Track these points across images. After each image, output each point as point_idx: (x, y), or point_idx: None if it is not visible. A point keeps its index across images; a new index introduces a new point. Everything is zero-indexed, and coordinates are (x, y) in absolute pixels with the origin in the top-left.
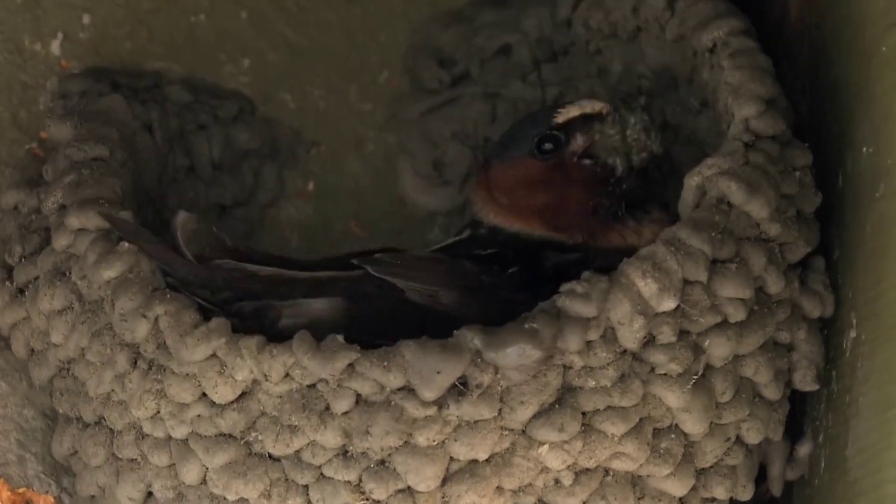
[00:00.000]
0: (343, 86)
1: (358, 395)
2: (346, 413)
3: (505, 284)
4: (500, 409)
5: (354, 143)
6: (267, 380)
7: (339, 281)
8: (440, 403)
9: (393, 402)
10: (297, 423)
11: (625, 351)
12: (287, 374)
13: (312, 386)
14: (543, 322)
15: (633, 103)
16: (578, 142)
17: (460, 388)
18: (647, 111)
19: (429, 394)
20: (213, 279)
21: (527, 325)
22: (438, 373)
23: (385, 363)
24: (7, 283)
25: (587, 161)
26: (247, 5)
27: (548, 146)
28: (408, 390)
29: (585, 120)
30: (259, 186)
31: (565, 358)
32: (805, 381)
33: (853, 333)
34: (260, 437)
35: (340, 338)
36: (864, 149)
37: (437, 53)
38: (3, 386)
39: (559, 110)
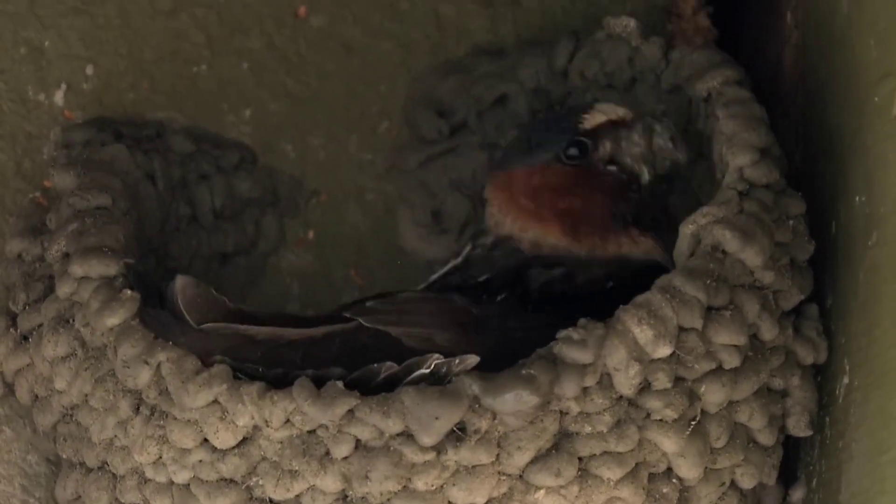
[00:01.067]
0: (343, 135)
1: (357, 441)
2: (345, 458)
3: (497, 312)
4: (497, 455)
5: (354, 192)
6: (268, 425)
7: (335, 336)
8: (439, 449)
9: (392, 448)
10: (297, 468)
11: (621, 397)
12: (288, 420)
13: (313, 431)
14: (540, 368)
15: (656, 112)
16: (606, 148)
17: (458, 434)
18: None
19: (427, 439)
20: (211, 349)
21: (524, 371)
22: (437, 418)
23: (384, 409)
24: (11, 329)
25: (612, 168)
26: (248, 56)
27: (574, 152)
28: (407, 436)
29: (612, 126)
30: (260, 235)
31: (562, 404)
32: (799, 426)
33: (846, 380)
34: (261, 482)
35: (340, 384)
36: (857, 197)
37: (436, 104)
38: (8, 432)
39: (584, 115)
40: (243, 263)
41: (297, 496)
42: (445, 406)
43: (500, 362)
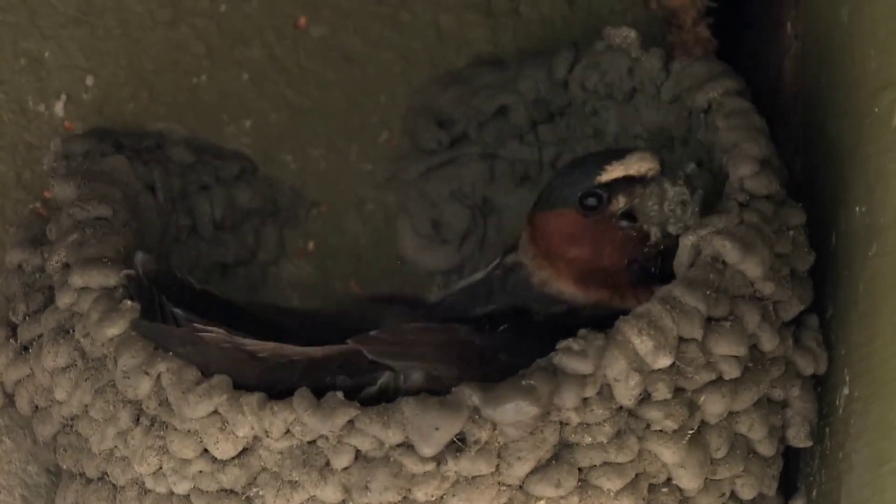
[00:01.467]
0: (343, 146)
1: (357, 451)
2: (345, 469)
3: (501, 345)
4: (497, 465)
5: (354, 202)
6: (268, 436)
7: (334, 359)
8: (438, 459)
9: (392, 458)
10: (297, 479)
11: (621, 407)
12: (288, 431)
13: (313, 442)
14: (540, 379)
15: (678, 172)
16: (619, 202)
17: (458, 444)
18: (692, 180)
19: (427, 450)
20: (209, 363)
21: (524, 382)
22: (437, 429)
23: (384, 419)
24: (11, 340)
25: (625, 222)
26: (248, 66)
27: (591, 202)
28: (407, 446)
29: (628, 181)
30: (260, 246)
31: (562, 414)
32: (799, 437)
33: (846, 390)
34: (261, 493)
35: (340, 394)
36: (858, 208)
37: (436, 114)
38: (8, 442)
39: (606, 167)
40: (243, 274)
41: None
42: (445, 416)
43: None
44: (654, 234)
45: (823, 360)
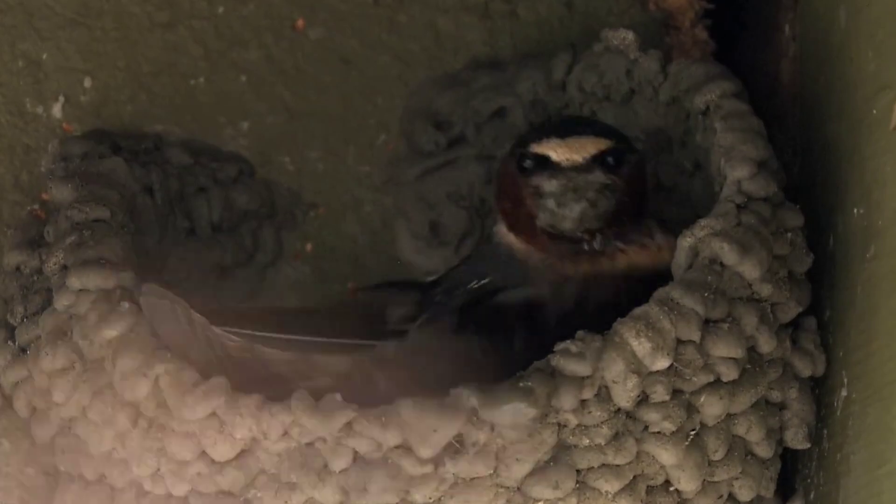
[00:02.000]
0: (341, 148)
1: (356, 453)
2: (343, 470)
3: (516, 357)
4: (495, 467)
5: (352, 204)
6: (266, 438)
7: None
8: (436, 461)
9: (390, 460)
10: (295, 481)
11: (619, 409)
12: (286, 433)
13: (311, 444)
14: (538, 381)
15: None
16: (540, 178)
17: (456, 446)
18: (603, 191)
19: (425, 451)
20: (225, 367)
21: (522, 384)
22: (435, 431)
23: (382, 421)
24: (9, 342)
25: (538, 198)
26: (246, 69)
27: (527, 164)
28: (405, 448)
29: (550, 162)
30: (258, 248)
31: (560, 416)
32: (796, 439)
33: (844, 392)
34: (259, 495)
35: (338, 396)
36: (855, 210)
37: (433, 116)
38: (6, 444)
39: (543, 139)
40: (241, 276)
41: None
42: (443, 418)
43: None
44: (543, 220)
45: (821, 362)
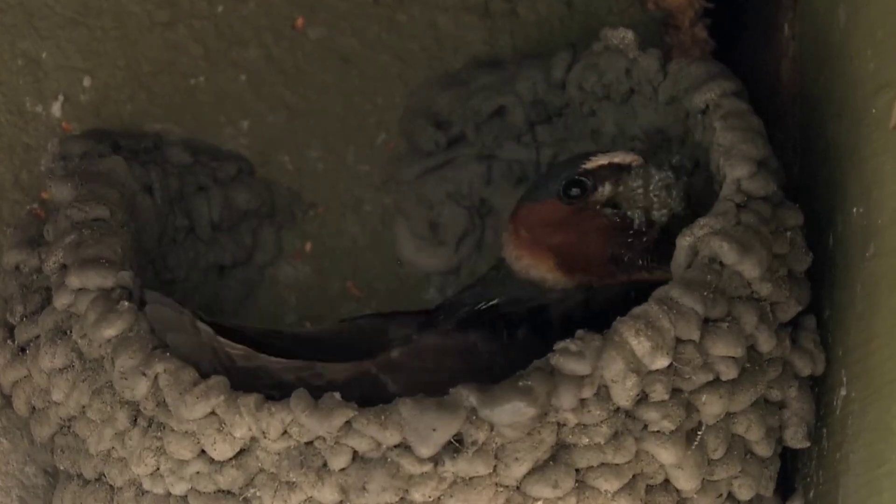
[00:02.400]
0: (341, 147)
1: (355, 452)
2: (343, 469)
3: (520, 358)
4: (495, 466)
5: (352, 204)
6: (265, 437)
7: (357, 383)
8: (436, 460)
9: (389, 459)
10: (294, 480)
11: (618, 408)
12: (285, 432)
13: (310, 443)
14: (538, 380)
15: (664, 159)
16: (605, 189)
17: (456, 445)
18: (677, 170)
19: (425, 451)
20: (231, 376)
21: (521, 383)
22: (434, 430)
23: (381, 420)
24: (9, 341)
25: (608, 210)
26: (246, 68)
27: (574, 191)
28: (404, 447)
29: (613, 169)
30: (257, 247)
31: (559, 415)
32: (796, 438)
33: (844, 391)
34: (258, 494)
35: (337, 395)
36: (855, 209)
37: (433, 116)
38: (5, 443)
39: (591, 157)
40: (241, 275)
41: None
42: (443, 417)
43: None
44: (638, 217)
45: (821, 361)
